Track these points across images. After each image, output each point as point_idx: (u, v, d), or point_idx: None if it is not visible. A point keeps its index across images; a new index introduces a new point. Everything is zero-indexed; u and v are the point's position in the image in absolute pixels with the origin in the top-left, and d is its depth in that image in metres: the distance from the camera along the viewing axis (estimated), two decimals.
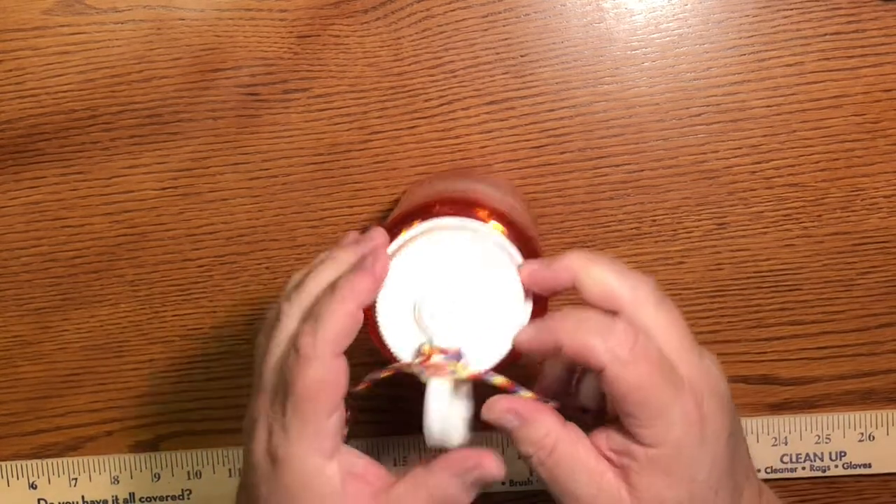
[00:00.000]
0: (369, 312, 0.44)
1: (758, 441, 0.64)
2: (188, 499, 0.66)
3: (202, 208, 0.61)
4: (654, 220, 0.61)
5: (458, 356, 0.43)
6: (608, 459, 0.44)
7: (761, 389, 0.64)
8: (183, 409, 0.65)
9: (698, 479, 0.43)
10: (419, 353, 0.44)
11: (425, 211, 0.45)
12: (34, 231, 0.62)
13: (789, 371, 0.63)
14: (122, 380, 0.65)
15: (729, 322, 0.63)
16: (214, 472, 0.65)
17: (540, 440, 0.43)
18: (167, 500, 0.66)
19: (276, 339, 0.45)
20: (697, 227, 0.61)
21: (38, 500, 0.66)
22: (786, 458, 0.64)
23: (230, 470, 0.65)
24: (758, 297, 0.62)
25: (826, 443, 0.64)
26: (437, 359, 0.43)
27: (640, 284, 0.43)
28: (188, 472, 0.66)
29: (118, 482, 0.66)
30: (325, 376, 0.42)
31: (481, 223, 0.45)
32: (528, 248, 0.46)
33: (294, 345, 0.43)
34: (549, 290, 0.44)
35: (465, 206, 0.46)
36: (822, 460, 0.64)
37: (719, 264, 0.61)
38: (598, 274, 0.43)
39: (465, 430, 0.44)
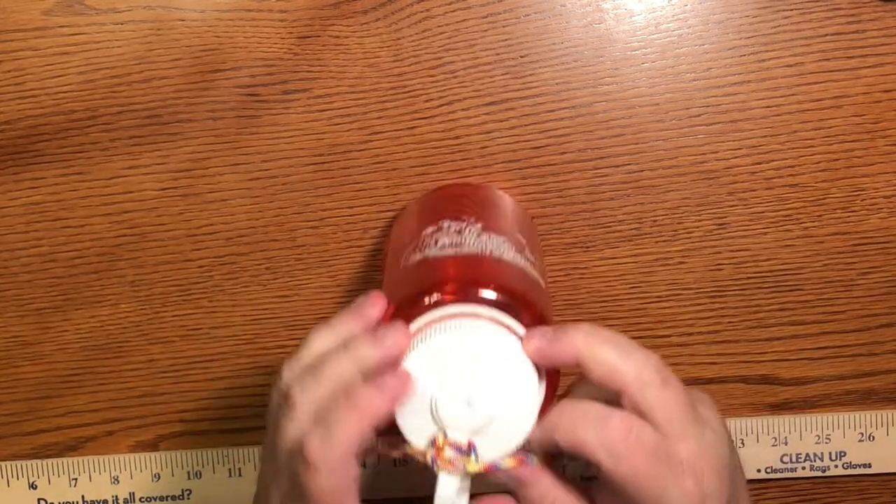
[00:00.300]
0: None
1: (758, 441, 0.64)
2: (188, 499, 0.66)
3: (202, 209, 0.61)
4: (654, 221, 0.61)
5: (470, 451, 0.44)
6: None
7: (761, 389, 0.64)
8: (183, 409, 0.65)
9: None
10: (432, 443, 0.44)
11: (436, 292, 0.45)
12: (34, 231, 0.62)
13: (789, 371, 0.63)
14: (122, 380, 0.65)
15: (729, 322, 0.63)
16: (214, 472, 0.66)
17: (539, 500, 0.45)
18: (167, 500, 0.66)
19: (288, 427, 0.44)
20: (697, 227, 0.61)
21: (38, 500, 0.66)
22: (786, 458, 0.64)
23: (230, 470, 0.65)
24: (758, 297, 0.62)
25: (826, 443, 0.64)
26: (449, 453, 0.44)
27: (643, 365, 0.43)
28: (188, 472, 0.66)
29: (118, 482, 0.66)
30: (337, 485, 0.43)
31: (491, 307, 0.45)
32: (539, 320, 0.46)
33: (303, 451, 0.43)
34: (553, 366, 0.45)
35: (474, 287, 0.45)
36: (822, 460, 0.64)
37: (719, 264, 0.61)
38: (601, 355, 0.43)
39: None
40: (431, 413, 0.44)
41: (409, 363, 0.44)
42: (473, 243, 0.49)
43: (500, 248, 0.49)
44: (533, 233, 0.57)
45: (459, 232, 0.50)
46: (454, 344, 0.44)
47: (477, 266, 0.48)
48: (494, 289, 0.45)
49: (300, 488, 0.43)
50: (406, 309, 0.45)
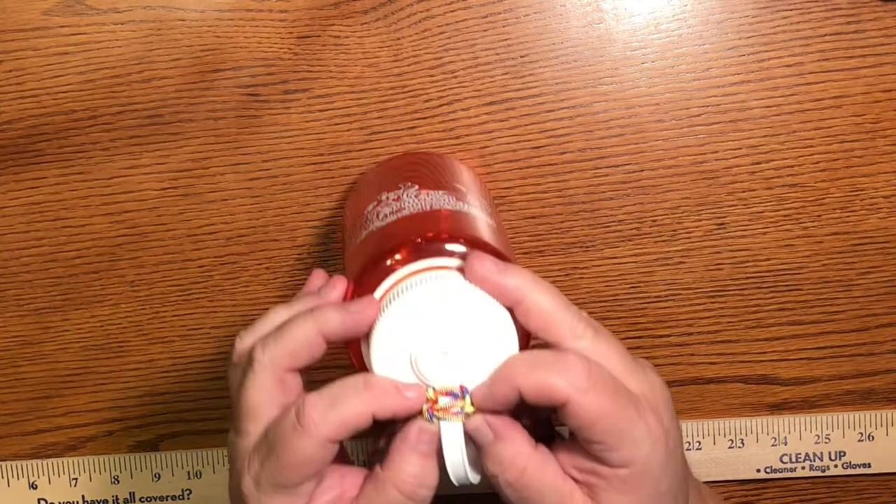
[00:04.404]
0: (363, 367, 0.45)
1: (757, 441, 0.64)
2: (188, 499, 0.66)
3: (202, 209, 0.61)
4: (654, 220, 0.61)
5: (463, 393, 0.44)
6: (573, 477, 0.44)
7: (761, 389, 0.64)
8: (183, 409, 0.65)
9: (662, 490, 0.44)
10: (425, 398, 0.44)
11: (390, 258, 0.45)
12: (34, 231, 0.62)
13: (789, 371, 0.63)
14: (122, 380, 0.65)
15: (729, 322, 0.63)
16: (214, 472, 0.66)
17: (510, 460, 0.44)
18: (167, 500, 0.66)
19: (250, 389, 0.44)
20: (697, 227, 0.61)
21: (38, 500, 0.66)
22: (785, 458, 0.64)
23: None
24: (758, 297, 0.62)
25: (826, 443, 0.64)
26: (443, 401, 0.44)
27: (577, 318, 0.44)
28: (188, 472, 0.66)
29: (118, 482, 0.66)
30: (314, 455, 0.43)
31: (444, 256, 0.45)
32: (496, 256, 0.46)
33: (297, 417, 0.42)
34: (493, 296, 0.44)
35: (424, 242, 0.46)
36: (822, 460, 0.64)
37: (719, 264, 0.61)
38: (540, 301, 0.43)
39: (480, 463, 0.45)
40: (413, 370, 0.44)
41: (381, 327, 0.44)
42: (413, 204, 0.50)
43: (440, 200, 0.50)
44: (474, 182, 0.57)
45: (398, 199, 0.51)
46: (420, 299, 0.44)
47: (422, 221, 0.48)
48: (443, 238, 0.45)
49: (273, 449, 0.43)
50: (364, 283, 0.46)
